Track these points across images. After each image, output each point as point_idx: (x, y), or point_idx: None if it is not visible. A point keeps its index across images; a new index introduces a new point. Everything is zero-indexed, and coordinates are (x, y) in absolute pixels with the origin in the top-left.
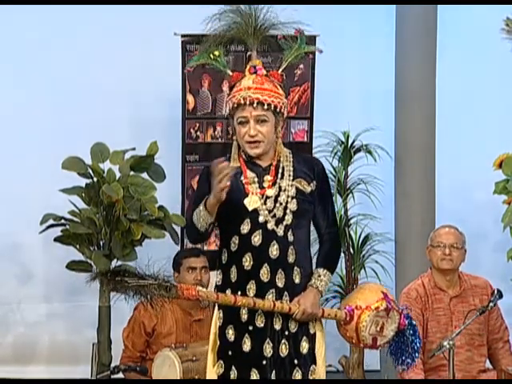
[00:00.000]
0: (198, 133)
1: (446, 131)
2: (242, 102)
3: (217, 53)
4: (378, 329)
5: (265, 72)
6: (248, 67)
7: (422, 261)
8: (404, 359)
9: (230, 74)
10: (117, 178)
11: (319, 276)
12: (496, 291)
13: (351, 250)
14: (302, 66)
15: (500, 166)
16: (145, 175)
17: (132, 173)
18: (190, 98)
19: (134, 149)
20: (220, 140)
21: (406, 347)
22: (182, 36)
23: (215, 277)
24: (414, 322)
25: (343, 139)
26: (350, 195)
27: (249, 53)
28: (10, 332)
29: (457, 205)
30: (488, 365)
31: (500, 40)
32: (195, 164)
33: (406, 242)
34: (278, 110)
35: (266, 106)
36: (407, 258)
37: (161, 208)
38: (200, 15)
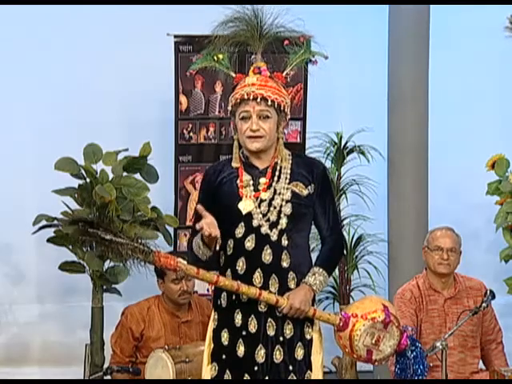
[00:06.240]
0: (191, 133)
1: (438, 132)
2: (246, 97)
3: (220, 56)
4: (374, 341)
5: (268, 73)
6: (252, 68)
7: (415, 261)
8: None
9: (234, 75)
10: (110, 178)
11: (313, 274)
12: (489, 292)
13: (344, 250)
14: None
15: (493, 166)
16: (138, 176)
17: (125, 174)
18: (182, 98)
19: (126, 149)
20: (213, 141)
21: (409, 370)
22: (175, 37)
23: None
24: (420, 346)
25: (336, 140)
26: (343, 196)
27: (253, 56)
28: (2, 333)
29: (450, 205)
30: (481, 366)
31: (492, 41)
32: (188, 165)
33: (399, 243)
34: (281, 107)
35: (269, 102)
36: (400, 258)
37: (154, 209)
38: (193, 16)
